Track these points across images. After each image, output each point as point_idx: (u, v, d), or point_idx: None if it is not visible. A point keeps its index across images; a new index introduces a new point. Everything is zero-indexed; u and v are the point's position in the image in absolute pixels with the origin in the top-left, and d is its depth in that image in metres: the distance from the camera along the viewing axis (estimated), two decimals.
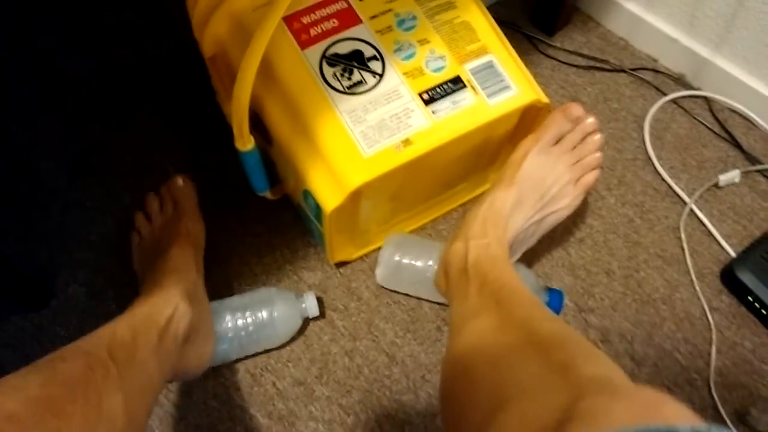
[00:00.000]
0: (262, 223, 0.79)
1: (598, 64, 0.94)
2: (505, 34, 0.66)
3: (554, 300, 0.68)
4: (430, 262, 0.69)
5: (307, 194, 0.63)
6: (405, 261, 0.70)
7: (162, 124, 0.87)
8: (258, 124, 0.63)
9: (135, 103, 0.88)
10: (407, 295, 0.74)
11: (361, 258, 0.77)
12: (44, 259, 0.76)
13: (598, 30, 0.99)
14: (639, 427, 0.26)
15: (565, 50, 0.96)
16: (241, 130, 0.61)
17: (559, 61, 0.95)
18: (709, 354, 0.70)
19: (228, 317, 0.65)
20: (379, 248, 0.76)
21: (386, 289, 0.74)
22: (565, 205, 0.65)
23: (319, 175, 0.60)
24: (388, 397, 0.68)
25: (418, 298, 0.73)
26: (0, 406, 0.37)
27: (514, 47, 0.66)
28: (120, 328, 0.51)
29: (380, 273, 0.71)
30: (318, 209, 0.62)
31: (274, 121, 0.62)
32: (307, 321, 0.71)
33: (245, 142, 0.62)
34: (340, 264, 0.76)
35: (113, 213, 0.79)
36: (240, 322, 0.66)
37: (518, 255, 0.68)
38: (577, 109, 0.65)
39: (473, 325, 0.50)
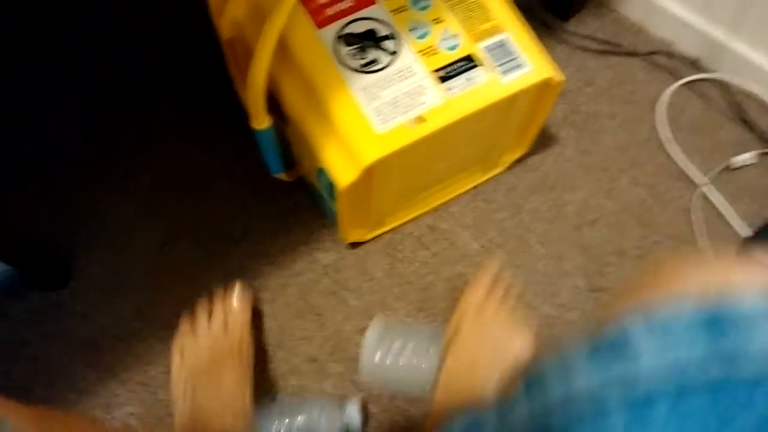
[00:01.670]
0: (277, 204, 0.80)
1: (612, 49, 0.94)
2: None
3: None
4: (415, 358, 0.65)
5: (321, 172, 0.64)
6: (388, 361, 0.65)
7: (180, 110, 0.88)
8: (274, 105, 0.64)
9: (154, 88, 0.90)
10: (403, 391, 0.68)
11: (374, 239, 0.78)
12: (64, 238, 0.77)
13: (612, 14, 0.98)
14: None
15: (579, 35, 0.96)
16: (257, 108, 0.62)
17: (574, 45, 0.95)
18: None
19: (269, 424, 0.62)
20: (393, 230, 0.77)
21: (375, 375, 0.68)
22: (521, 347, 0.63)
23: (333, 152, 0.61)
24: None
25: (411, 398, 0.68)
26: None
27: None
28: None
29: (364, 373, 0.66)
30: (332, 187, 0.63)
31: (290, 100, 0.63)
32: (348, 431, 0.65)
33: (261, 121, 0.64)
34: (354, 245, 0.77)
35: (132, 194, 0.81)
36: (282, 429, 0.62)
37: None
38: (485, 279, 0.67)
39: None
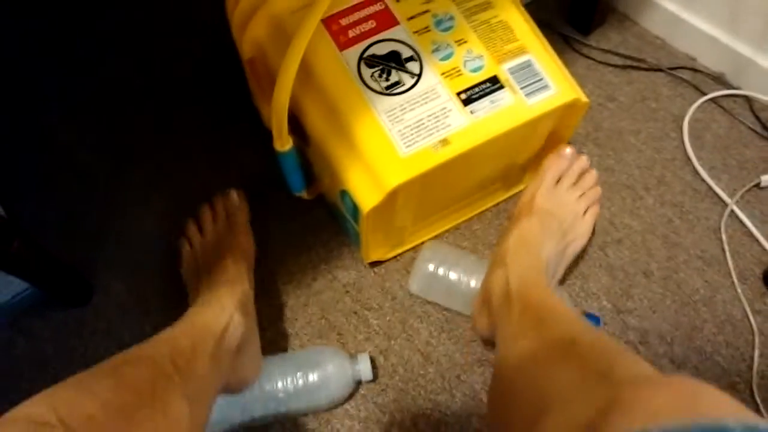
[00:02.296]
0: (297, 222, 0.80)
1: (635, 63, 0.93)
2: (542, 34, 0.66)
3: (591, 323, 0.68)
4: (465, 275, 0.69)
5: (344, 194, 0.64)
6: (440, 272, 0.70)
7: (200, 124, 0.88)
8: (295, 125, 0.64)
9: (174, 103, 0.90)
10: (439, 305, 0.73)
11: (395, 258, 0.77)
12: (85, 255, 0.78)
13: (634, 29, 0.97)
14: (685, 423, 0.26)
15: (601, 49, 0.95)
16: (280, 131, 0.62)
17: (595, 60, 0.94)
18: (752, 357, 0.68)
19: (279, 376, 0.64)
20: (414, 249, 0.77)
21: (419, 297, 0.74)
22: (580, 233, 0.70)
23: (357, 175, 0.60)
24: (423, 396, 0.68)
25: (449, 310, 0.73)
26: (80, 406, 0.38)
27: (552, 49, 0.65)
28: (180, 336, 0.52)
29: (415, 282, 0.72)
30: (355, 209, 0.63)
31: (313, 122, 0.63)
32: (360, 383, 0.68)
33: (284, 143, 0.63)
34: (374, 264, 0.77)
35: (153, 211, 0.81)
36: (291, 382, 0.64)
37: (552, 285, 0.68)
38: (570, 150, 0.72)
39: (518, 347, 0.50)
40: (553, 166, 0.72)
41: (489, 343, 0.70)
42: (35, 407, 0.37)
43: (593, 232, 0.74)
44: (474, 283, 0.69)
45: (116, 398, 0.40)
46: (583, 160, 0.73)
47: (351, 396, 0.68)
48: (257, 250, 0.74)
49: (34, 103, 0.91)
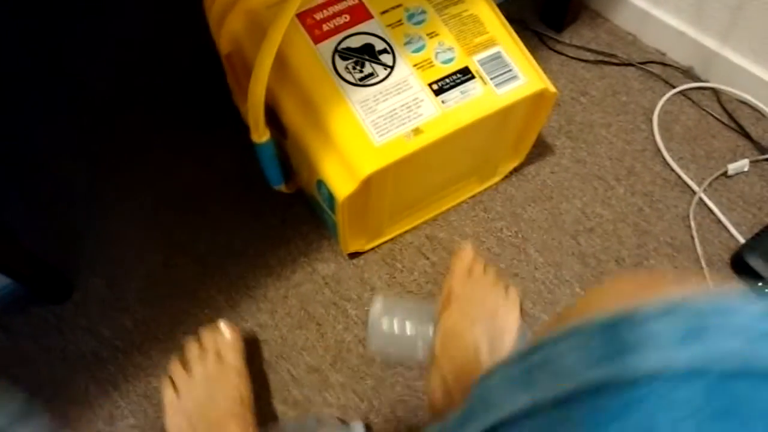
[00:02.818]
0: (276, 216, 0.81)
1: (606, 59, 0.95)
2: (515, 31, 0.68)
3: None
4: (420, 326, 0.68)
5: (320, 184, 0.65)
6: (395, 329, 0.67)
7: (179, 123, 0.89)
8: (273, 119, 0.66)
9: (155, 106, 0.91)
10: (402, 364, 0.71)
11: (373, 249, 0.78)
12: (66, 253, 0.78)
13: (606, 25, 1.00)
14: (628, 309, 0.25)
15: (573, 46, 0.97)
16: (256, 122, 0.63)
17: (568, 56, 0.96)
18: None
19: None
20: (392, 240, 0.78)
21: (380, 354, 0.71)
22: (510, 305, 0.66)
23: (332, 165, 0.62)
24: (401, 383, 0.69)
25: (413, 364, 0.71)
26: None
27: (523, 44, 0.67)
28: None
29: (372, 342, 0.69)
30: (331, 198, 0.64)
31: (289, 114, 0.64)
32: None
33: (261, 135, 0.65)
34: (353, 255, 0.78)
35: (133, 210, 0.82)
36: None
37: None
38: (470, 245, 0.71)
39: None
40: (458, 260, 0.69)
41: None
42: None
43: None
44: (432, 330, 0.66)
45: None
46: (482, 257, 0.71)
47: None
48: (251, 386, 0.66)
49: (16, 107, 0.92)
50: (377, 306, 0.68)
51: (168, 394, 0.63)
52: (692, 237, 0.78)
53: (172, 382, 0.63)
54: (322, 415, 0.67)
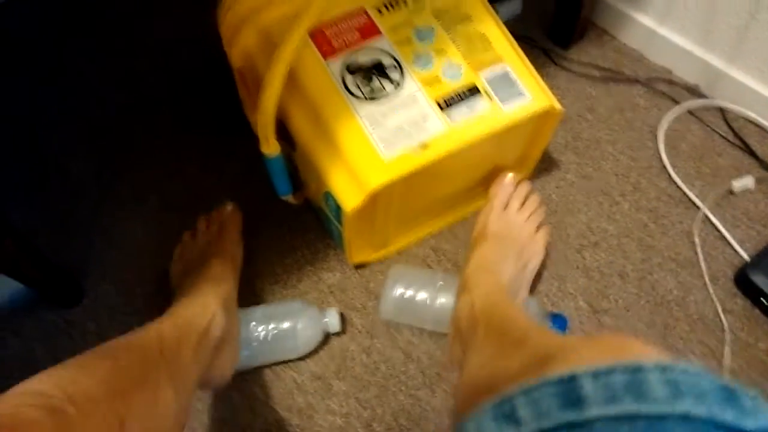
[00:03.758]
0: (284, 225, 0.82)
1: (613, 76, 0.97)
2: (522, 48, 0.69)
3: (557, 323, 0.70)
4: (432, 293, 0.71)
5: (328, 196, 0.66)
6: (407, 294, 0.71)
7: (188, 130, 0.91)
8: (282, 131, 0.67)
9: (163, 110, 0.93)
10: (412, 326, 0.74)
11: (378, 260, 0.80)
12: (76, 257, 0.80)
13: (612, 43, 1.01)
14: (608, 364, 0.28)
15: (580, 63, 0.98)
16: (267, 135, 0.64)
17: (575, 73, 0.97)
18: (723, 354, 0.70)
19: (253, 326, 0.69)
20: (398, 251, 0.79)
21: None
22: (535, 251, 0.74)
23: (340, 178, 0.63)
24: (404, 392, 0.70)
25: (422, 329, 0.74)
26: (82, 384, 0.40)
27: (530, 61, 0.68)
28: (166, 328, 0.54)
29: (383, 307, 0.72)
30: (338, 210, 0.65)
31: (298, 127, 0.65)
32: (328, 336, 0.73)
33: (270, 147, 0.66)
34: (359, 265, 0.79)
35: (142, 215, 0.84)
36: (264, 331, 0.69)
37: (519, 300, 0.71)
38: (511, 176, 0.77)
39: (483, 354, 0.53)
40: (498, 193, 0.76)
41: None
42: (40, 383, 0.39)
43: (545, 255, 0.77)
44: (443, 300, 0.70)
45: (113, 380, 0.43)
46: (526, 184, 0.78)
47: (320, 347, 0.72)
48: (245, 257, 0.77)
49: (25, 112, 0.94)
50: (392, 272, 0.73)
51: (176, 251, 0.76)
52: (696, 253, 0.78)
53: (182, 244, 0.76)
54: (299, 302, 0.73)
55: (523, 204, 0.76)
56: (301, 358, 0.72)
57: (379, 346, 0.73)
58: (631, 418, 0.25)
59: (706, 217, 0.81)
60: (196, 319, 0.58)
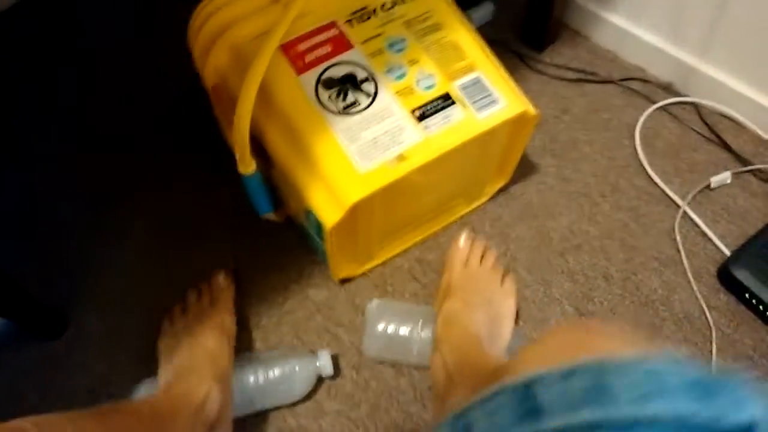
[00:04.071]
0: (269, 244, 0.81)
1: (587, 77, 0.97)
2: (496, 53, 0.69)
3: None
4: (416, 328, 0.70)
5: (308, 213, 0.66)
6: (390, 330, 0.70)
7: (170, 154, 0.90)
8: (259, 149, 0.66)
9: (151, 141, 0.92)
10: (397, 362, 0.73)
11: (364, 274, 0.79)
12: (59, 288, 0.78)
13: (586, 44, 1.02)
14: (563, 367, 0.27)
15: (554, 65, 0.99)
16: (242, 153, 0.64)
17: (550, 75, 0.98)
18: (710, 352, 0.71)
19: (246, 374, 0.67)
20: (383, 263, 0.79)
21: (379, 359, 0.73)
22: (506, 294, 0.74)
23: (319, 194, 0.62)
24: (396, 407, 0.69)
25: (408, 365, 0.72)
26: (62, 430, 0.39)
27: (504, 65, 0.69)
28: (161, 400, 0.54)
29: (368, 345, 0.71)
30: (319, 226, 0.64)
31: (274, 145, 0.65)
32: (321, 379, 0.71)
33: (247, 166, 0.65)
34: (345, 281, 0.78)
35: (129, 246, 0.82)
36: (258, 379, 0.67)
37: (499, 346, 0.69)
38: (465, 234, 0.78)
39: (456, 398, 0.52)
40: (455, 253, 0.76)
41: None
42: (18, 422, 0.38)
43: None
44: (426, 333, 0.70)
45: None
46: (481, 241, 0.78)
47: (313, 392, 0.70)
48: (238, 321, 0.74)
49: (12, 142, 0.92)
50: (373, 308, 0.72)
51: (164, 324, 0.72)
52: (678, 250, 0.79)
53: (170, 318, 0.72)
54: (292, 348, 0.72)
55: (482, 258, 0.76)
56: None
57: (368, 362, 0.72)
58: (593, 427, 0.23)
59: (686, 214, 0.82)
60: (192, 394, 0.57)
